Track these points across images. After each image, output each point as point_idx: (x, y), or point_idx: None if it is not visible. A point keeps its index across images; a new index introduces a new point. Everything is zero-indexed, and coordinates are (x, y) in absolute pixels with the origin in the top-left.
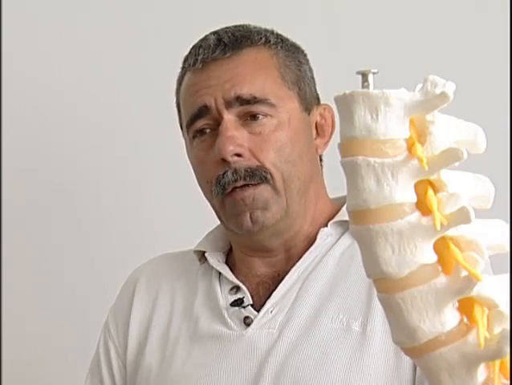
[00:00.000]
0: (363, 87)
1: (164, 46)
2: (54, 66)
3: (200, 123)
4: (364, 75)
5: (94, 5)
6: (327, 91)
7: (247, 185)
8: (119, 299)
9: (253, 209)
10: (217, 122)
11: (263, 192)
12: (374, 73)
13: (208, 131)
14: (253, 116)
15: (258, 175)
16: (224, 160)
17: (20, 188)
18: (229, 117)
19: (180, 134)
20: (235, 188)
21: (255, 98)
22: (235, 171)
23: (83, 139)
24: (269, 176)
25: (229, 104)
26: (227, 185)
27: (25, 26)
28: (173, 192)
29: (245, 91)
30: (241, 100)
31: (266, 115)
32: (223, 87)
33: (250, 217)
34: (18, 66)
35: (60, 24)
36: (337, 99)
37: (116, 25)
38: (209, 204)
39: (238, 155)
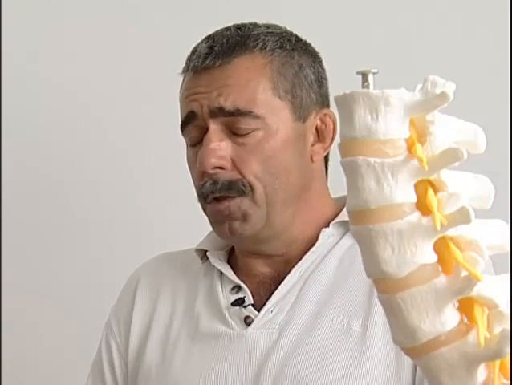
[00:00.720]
0: (363, 87)
1: (166, 44)
2: (55, 65)
3: (189, 129)
4: (364, 75)
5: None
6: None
7: (225, 197)
8: (121, 298)
9: (231, 220)
10: (204, 129)
11: (240, 204)
12: (374, 73)
13: (197, 138)
14: (239, 128)
15: (236, 188)
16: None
17: (20, 188)
18: (213, 127)
19: (179, 134)
20: (215, 198)
21: (238, 110)
22: (214, 182)
23: (83, 139)
24: (247, 190)
25: (213, 114)
26: (206, 195)
27: (25, 25)
28: (173, 192)
29: (229, 103)
30: (224, 112)
31: (250, 129)
32: (210, 96)
33: (229, 228)
34: (18, 66)
35: (60, 23)
36: (337, 99)
37: (118, 22)
38: None
39: (220, 167)
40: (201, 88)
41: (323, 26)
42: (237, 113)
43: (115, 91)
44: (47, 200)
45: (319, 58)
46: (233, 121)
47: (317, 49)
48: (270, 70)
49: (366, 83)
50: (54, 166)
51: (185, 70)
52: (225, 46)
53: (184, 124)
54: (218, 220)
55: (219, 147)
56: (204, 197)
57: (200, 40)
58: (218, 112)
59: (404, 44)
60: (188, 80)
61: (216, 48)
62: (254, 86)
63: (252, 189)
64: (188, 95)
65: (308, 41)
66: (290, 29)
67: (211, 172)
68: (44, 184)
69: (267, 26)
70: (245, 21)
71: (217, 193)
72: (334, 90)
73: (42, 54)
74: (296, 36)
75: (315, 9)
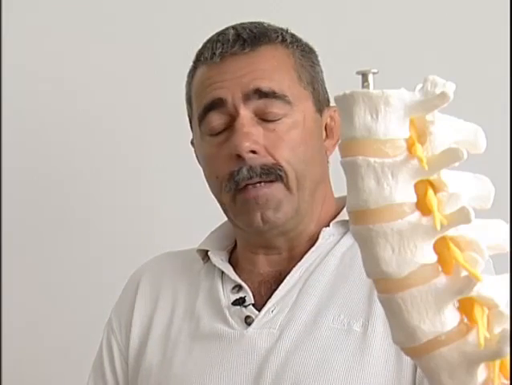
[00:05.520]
0: (363, 87)
1: (166, 45)
2: (57, 63)
3: (212, 117)
4: (364, 75)
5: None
6: (327, 91)
7: (260, 183)
8: (123, 297)
9: (264, 209)
10: (232, 117)
11: (277, 192)
12: (374, 73)
13: (221, 128)
14: (271, 113)
15: (274, 173)
16: (239, 157)
17: (20, 188)
18: (245, 113)
19: (181, 132)
20: (247, 184)
21: (274, 92)
22: (251, 168)
23: (84, 138)
24: (283, 174)
25: (246, 97)
26: (241, 181)
27: (27, 25)
28: (174, 191)
29: (265, 84)
30: (260, 93)
31: (281, 115)
32: (241, 81)
33: (261, 217)
34: (19, 66)
35: (64, 20)
36: (337, 99)
37: (121, 23)
38: (213, 201)
39: (254, 152)
40: (229, 74)
41: (323, 26)
42: (273, 95)
43: (117, 89)
44: (48, 200)
45: (319, 60)
46: (266, 105)
47: (317, 49)
48: (293, 60)
49: (366, 83)
50: (54, 166)
51: (209, 58)
52: (251, 35)
53: (208, 111)
54: (250, 209)
55: (252, 131)
56: (237, 184)
57: (213, 34)
58: (253, 95)
59: (404, 44)
60: (211, 68)
61: (243, 35)
62: (283, 73)
63: (286, 175)
64: (213, 82)
65: (309, 41)
66: (290, 29)
67: (246, 155)
68: (44, 184)
69: (274, 25)
70: (246, 20)
71: (256, 178)
72: (334, 90)
73: (41, 54)
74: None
75: (316, 8)
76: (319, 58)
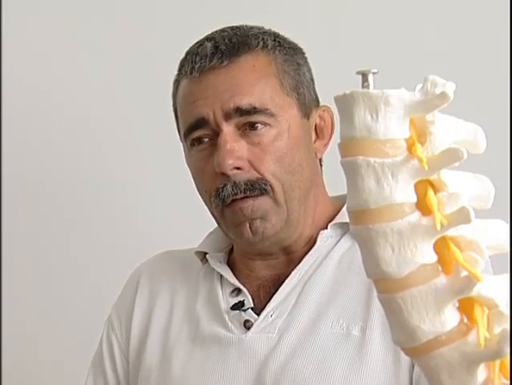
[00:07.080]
0: (363, 87)
1: (162, 46)
2: (53, 67)
3: (197, 134)
4: (364, 75)
5: (93, 4)
6: (327, 91)
7: (247, 197)
8: (123, 295)
9: (252, 219)
10: (216, 132)
11: (262, 204)
12: (374, 73)
13: (206, 140)
14: (252, 126)
15: (258, 187)
16: (223, 174)
17: (20, 188)
18: (227, 129)
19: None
20: (235, 199)
21: (255, 108)
22: (235, 184)
23: (84, 140)
24: (269, 188)
25: (228, 116)
26: (226, 198)
27: (25, 26)
28: (173, 191)
29: (245, 101)
30: (241, 111)
31: (265, 125)
32: (221, 98)
33: (250, 228)
34: (19, 68)
35: (59, 25)
36: (337, 99)
37: (115, 26)
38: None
39: (238, 168)
40: (209, 91)
41: (322, 26)
42: (254, 111)
43: (117, 89)
44: (47, 200)
45: (307, 58)
46: (248, 120)
47: (317, 49)
48: (275, 67)
49: (366, 83)
50: (54, 166)
51: (189, 72)
52: (230, 46)
53: (193, 129)
54: (239, 221)
55: (235, 148)
56: (223, 200)
57: (194, 43)
58: (234, 113)
59: (404, 44)
60: (192, 83)
61: (221, 47)
62: (264, 83)
63: (272, 188)
64: (195, 99)
65: (309, 40)
66: (288, 28)
67: (230, 173)
68: (45, 184)
69: (258, 28)
70: (242, 21)
71: (240, 194)
72: (334, 90)
73: (41, 55)
74: (284, 37)
75: (315, 8)
76: (319, 57)
